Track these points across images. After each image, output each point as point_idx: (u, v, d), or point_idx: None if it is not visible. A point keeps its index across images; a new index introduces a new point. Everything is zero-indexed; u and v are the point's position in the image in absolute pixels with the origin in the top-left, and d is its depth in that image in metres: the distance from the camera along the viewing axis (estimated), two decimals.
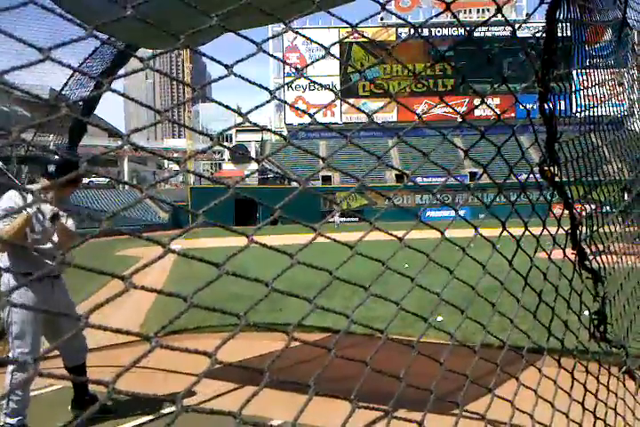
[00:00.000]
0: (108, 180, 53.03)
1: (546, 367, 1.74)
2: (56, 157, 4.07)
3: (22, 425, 3.85)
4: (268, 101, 0.86)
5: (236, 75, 0.82)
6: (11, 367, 3.92)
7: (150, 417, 4.22)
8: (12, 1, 0.78)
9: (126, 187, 55.13)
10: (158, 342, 0.68)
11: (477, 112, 49.42)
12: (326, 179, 53.78)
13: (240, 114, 0.82)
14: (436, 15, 1.24)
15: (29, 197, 3.82)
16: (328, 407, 2.24)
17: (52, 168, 4.00)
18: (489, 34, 60.31)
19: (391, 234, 1.14)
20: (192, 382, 0.74)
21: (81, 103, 6.20)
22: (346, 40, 62.69)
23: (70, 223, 4.15)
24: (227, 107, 0.88)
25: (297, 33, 0.99)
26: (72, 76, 6.12)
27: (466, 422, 1.50)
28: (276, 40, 63.76)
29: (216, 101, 0.84)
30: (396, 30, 63.48)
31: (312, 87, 62.58)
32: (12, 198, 3.82)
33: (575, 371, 1.94)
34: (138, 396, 0.71)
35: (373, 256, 1.15)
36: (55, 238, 4.02)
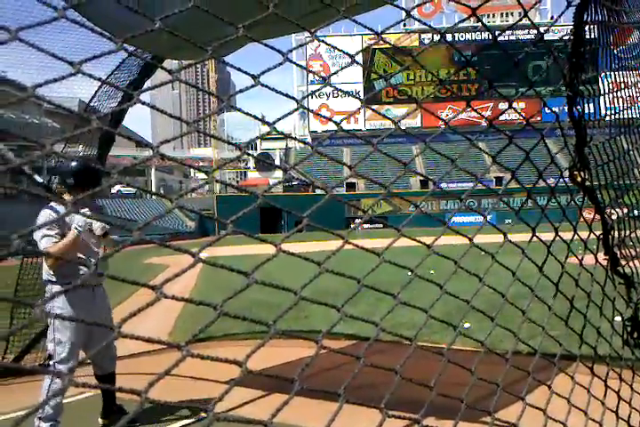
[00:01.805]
0: (135, 189, 53.82)
1: (578, 375, 1.71)
2: (72, 164, 4.14)
3: None
4: (295, 110, 0.87)
5: (263, 85, 0.82)
6: (48, 377, 3.99)
7: (177, 425, 4.24)
8: (43, 15, 0.80)
9: (154, 196, 55.82)
10: (189, 351, 0.68)
11: (502, 117, 48.74)
12: (351, 186, 53.73)
13: (267, 123, 0.83)
14: (462, 21, 1.24)
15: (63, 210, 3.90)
16: (357, 415, 2.23)
17: (70, 180, 4.09)
18: (513, 37, 59.86)
19: (419, 241, 1.13)
20: (224, 391, 0.74)
21: (109, 115, 6.30)
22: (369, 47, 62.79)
23: (98, 225, 4.22)
24: (254, 117, 0.89)
25: (322, 41, 0.99)
26: (100, 87, 6.22)
27: None
28: (299, 49, 64.04)
29: (243, 112, 0.85)
30: (419, 36, 63.34)
31: (335, 94, 62.70)
32: (50, 216, 3.92)
33: (608, 379, 1.90)
34: (170, 405, 0.71)
35: (398, 262, 1.14)
36: (95, 248, 4.12)
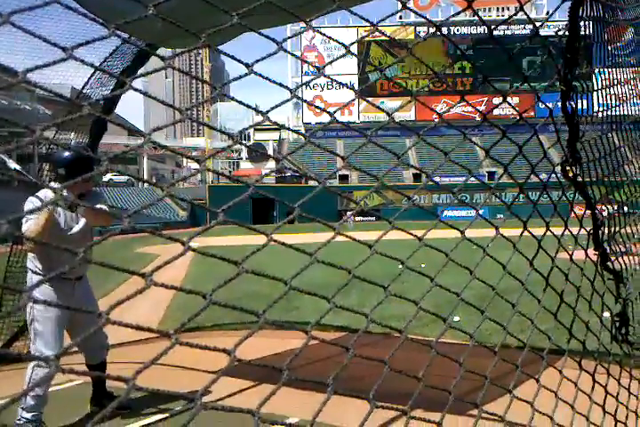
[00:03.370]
0: (127, 178, 53.58)
1: (566, 369, 1.72)
2: (65, 154, 4.09)
3: (38, 420, 3.90)
4: (288, 100, 0.86)
5: (256, 73, 0.82)
6: (32, 364, 3.97)
7: (166, 414, 4.25)
8: (35, 0, 0.79)
9: (145, 185, 55.62)
10: (178, 339, 0.68)
11: (496, 111, 48.69)
12: (344, 178, 53.74)
13: (260, 113, 0.82)
14: (457, 13, 1.23)
15: (50, 196, 3.87)
16: (345, 406, 2.24)
17: (62, 170, 4.02)
18: (508, 32, 59.86)
19: (411, 234, 1.13)
20: (211, 380, 0.74)
21: (102, 102, 6.25)
22: (364, 39, 62.59)
23: (100, 206, 4.21)
24: (248, 106, 0.88)
25: (317, 31, 0.99)
26: (93, 74, 6.17)
27: (485, 423, 1.49)
28: (294, 39, 63.83)
29: (237, 101, 0.84)
30: (415, 29, 63.17)
31: (330, 86, 62.54)
32: (33, 202, 3.88)
33: (596, 373, 1.92)
34: (157, 393, 0.71)
35: (390, 255, 1.14)
36: (79, 237, 4.08)
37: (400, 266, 1.13)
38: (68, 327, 4.12)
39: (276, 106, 0.85)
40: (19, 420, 3.87)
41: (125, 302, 0.69)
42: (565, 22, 1.87)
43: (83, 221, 4.12)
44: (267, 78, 0.87)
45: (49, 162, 5.39)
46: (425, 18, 1.12)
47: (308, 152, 58.00)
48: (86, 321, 4.10)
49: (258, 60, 0.83)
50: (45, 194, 3.91)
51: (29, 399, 3.85)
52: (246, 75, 0.82)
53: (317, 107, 1.11)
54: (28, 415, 3.87)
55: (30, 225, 3.77)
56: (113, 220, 4.40)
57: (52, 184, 4.13)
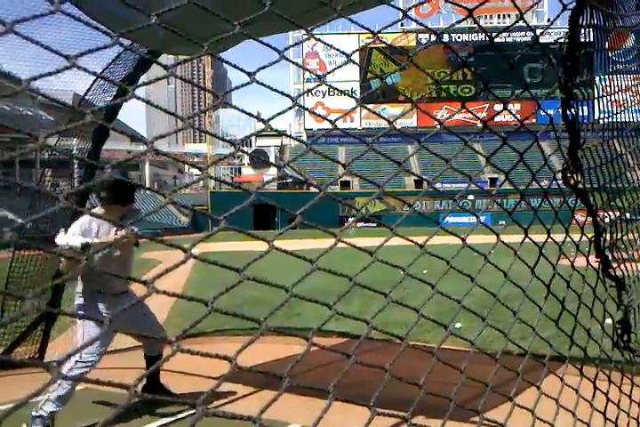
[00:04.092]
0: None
1: (567, 376, 1.71)
2: (110, 178, 4.23)
3: (52, 418, 3.96)
4: (290, 108, 0.87)
5: (258, 82, 0.82)
6: (74, 359, 4.02)
7: (168, 420, 4.24)
8: (39, 8, 0.80)
9: (147, 191, 55.68)
10: (179, 346, 0.68)
11: (497, 118, 48.88)
12: (345, 184, 53.77)
13: (262, 120, 0.83)
14: (458, 22, 1.24)
15: (95, 222, 4.02)
16: (346, 413, 2.23)
17: (104, 193, 4.15)
18: (510, 39, 60.01)
19: (412, 241, 1.14)
20: (212, 387, 0.74)
21: (104, 109, 6.27)
22: (366, 47, 62.76)
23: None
24: (249, 114, 0.88)
25: (318, 40, 1.00)
26: (95, 81, 6.19)
27: None
28: (295, 46, 64.06)
29: (238, 108, 0.85)
30: (416, 36, 63.35)
31: (331, 93, 62.67)
32: (82, 225, 4.08)
33: (597, 380, 1.91)
34: (159, 399, 0.71)
35: (391, 262, 1.15)
36: (120, 261, 4.21)
37: (402, 273, 1.13)
38: (128, 332, 4.21)
39: (278, 114, 0.85)
40: (35, 412, 3.92)
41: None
42: (566, 30, 1.88)
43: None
44: (268, 87, 0.88)
45: (59, 166, 5.48)
46: (426, 27, 1.13)
47: (309, 158, 58.08)
48: (139, 320, 4.36)
49: (260, 69, 0.84)
50: (86, 218, 4.09)
51: (61, 391, 3.93)
52: (248, 83, 0.82)
53: (319, 115, 1.11)
54: (52, 406, 3.94)
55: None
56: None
57: (96, 209, 4.28)
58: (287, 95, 0.89)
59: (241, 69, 0.83)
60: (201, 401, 0.69)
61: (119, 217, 4.20)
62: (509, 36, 60.19)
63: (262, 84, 0.84)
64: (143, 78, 6.59)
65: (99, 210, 4.22)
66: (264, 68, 0.84)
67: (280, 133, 0.96)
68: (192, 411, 0.70)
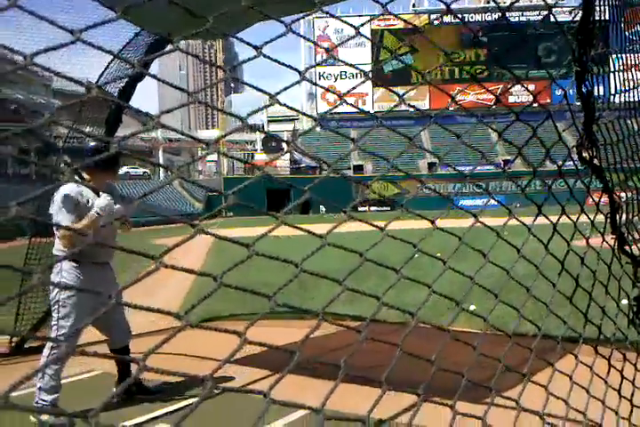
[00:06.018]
0: (144, 171, 54.05)
1: (582, 355, 1.71)
2: (91, 144, 4.18)
3: (55, 405, 3.97)
4: (298, 82, 0.85)
5: (265, 55, 0.81)
6: (48, 345, 4.05)
7: (184, 403, 4.29)
8: None
9: (161, 177, 55.97)
10: (189, 321, 0.68)
11: (512, 99, 48.51)
12: (358, 168, 53.61)
13: (269, 94, 0.82)
14: None
15: (82, 190, 3.98)
16: (359, 393, 2.24)
17: (89, 160, 4.10)
18: (523, 18, 59.07)
19: (423, 217, 1.13)
20: (222, 361, 0.75)
21: (116, 94, 6.27)
22: (376, 27, 62.14)
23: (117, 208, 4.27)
24: (258, 89, 0.87)
25: (327, 13, 0.98)
26: (107, 67, 6.19)
27: (499, 410, 1.49)
28: (306, 29, 63.66)
29: (247, 83, 0.84)
30: (429, 17, 62.55)
31: (343, 76, 62.28)
32: (68, 195, 3.97)
33: (612, 358, 1.90)
34: (169, 374, 0.72)
35: (403, 239, 1.14)
36: (107, 229, 4.18)
37: (414, 252, 1.12)
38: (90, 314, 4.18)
39: (286, 88, 0.84)
40: (36, 402, 3.93)
41: (142, 295, 0.69)
42: (579, 4, 1.83)
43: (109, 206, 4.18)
44: (276, 60, 0.87)
45: (75, 153, 5.46)
46: None
47: (322, 144, 57.93)
48: (111, 309, 4.15)
49: (267, 42, 0.83)
50: (74, 187, 3.98)
51: (49, 380, 3.93)
52: (255, 57, 0.81)
53: (329, 90, 1.09)
54: (49, 398, 3.94)
55: (76, 226, 3.87)
56: (130, 228, 4.52)
57: (85, 176, 4.19)
58: (295, 69, 0.87)
59: (248, 44, 0.82)
60: (209, 376, 0.69)
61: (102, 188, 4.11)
62: (523, 15, 59.23)
63: (269, 57, 0.83)
64: (155, 64, 6.56)
65: (85, 177, 4.14)
66: (271, 41, 0.83)
67: (289, 108, 0.94)
68: (202, 386, 0.70)
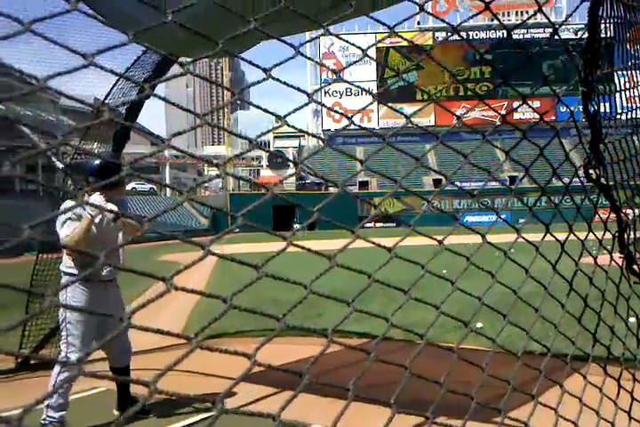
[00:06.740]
0: (150, 186, 54.32)
1: (590, 376, 1.69)
2: (95, 162, 4.19)
3: (62, 422, 3.97)
4: (306, 104, 0.86)
5: (274, 78, 0.82)
6: (58, 366, 4.05)
7: (189, 421, 4.26)
8: (56, 7, 0.80)
9: (168, 193, 56.18)
10: (198, 343, 0.68)
11: (517, 116, 48.66)
12: (363, 184, 53.72)
13: (278, 117, 0.83)
14: (475, 15, 1.23)
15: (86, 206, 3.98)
16: (367, 413, 2.22)
17: (92, 177, 4.13)
18: (528, 36, 59.45)
19: (430, 237, 1.13)
20: (232, 384, 0.74)
21: (124, 111, 6.33)
22: (382, 45, 62.65)
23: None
24: (265, 110, 0.88)
25: (332, 34, 0.99)
26: (115, 85, 6.25)
27: None
28: (312, 47, 64.23)
29: (255, 105, 0.85)
30: (433, 35, 63.06)
31: (349, 93, 62.72)
32: (71, 210, 3.96)
33: (622, 379, 1.88)
34: (179, 396, 0.72)
35: (409, 259, 1.13)
36: (112, 242, 4.16)
37: (421, 272, 1.12)
38: (97, 332, 4.17)
39: (295, 110, 0.85)
40: (44, 420, 3.94)
41: (148, 310, 0.69)
42: (585, 23, 1.85)
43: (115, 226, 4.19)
44: (284, 83, 0.88)
45: (78, 170, 5.49)
46: (442, 20, 1.12)
47: (327, 161, 58.15)
48: (114, 325, 4.15)
49: (276, 65, 0.84)
50: (74, 202, 3.99)
51: (57, 398, 3.94)
52: (264, 80, 0.82)
53: (336, 111, 1.10)
54: (56, 415, 3.95)
55: (73, 234, 3.87)
56: (140, 230, 4.48)
57: (96, 195, 4.16)
58: (303, 91, 0.88)
59: (257, 66, 0.84)
60: (220, 398, 0.68)
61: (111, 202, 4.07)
62: (527, 32, 59.66)
63: (278, 79, 0.84)
64: (161, 82, 6.64)
65: (95, 197, 4.08)
66: (280, 64, 0.84)
67: (297, 130, 0.95)
68: (208, 414, 0.69)
